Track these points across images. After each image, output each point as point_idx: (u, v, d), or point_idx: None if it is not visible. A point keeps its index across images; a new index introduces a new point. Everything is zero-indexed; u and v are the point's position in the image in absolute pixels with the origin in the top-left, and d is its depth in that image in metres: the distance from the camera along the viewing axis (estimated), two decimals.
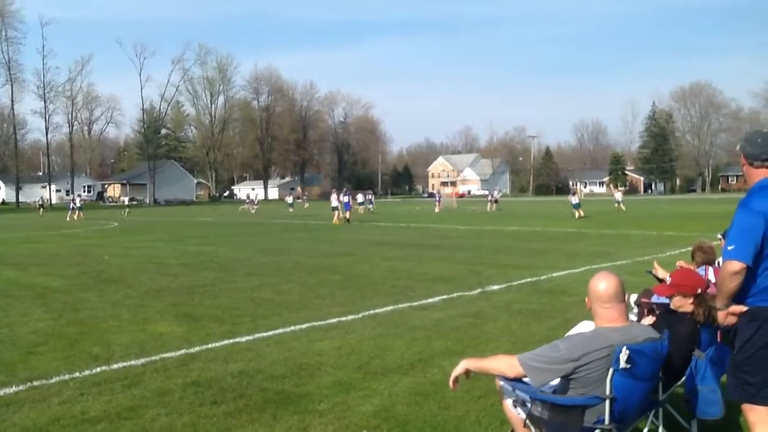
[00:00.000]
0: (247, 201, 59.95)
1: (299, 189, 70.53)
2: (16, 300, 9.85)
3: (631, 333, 3.08)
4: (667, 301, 4.11)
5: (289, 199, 58.04)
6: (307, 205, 63.95)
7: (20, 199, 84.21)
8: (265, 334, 7.18)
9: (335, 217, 32.59)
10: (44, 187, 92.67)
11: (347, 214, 32.49)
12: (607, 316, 3.11)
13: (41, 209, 54.51)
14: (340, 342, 6.74)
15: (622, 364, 2.91)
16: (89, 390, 5.23)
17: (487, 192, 69.85)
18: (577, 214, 32.58)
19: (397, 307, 8.73)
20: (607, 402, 2.97)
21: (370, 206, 50.61)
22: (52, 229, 31.25)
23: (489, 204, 48.63)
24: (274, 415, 4.63)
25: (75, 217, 42.14)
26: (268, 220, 37.02)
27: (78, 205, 44.52)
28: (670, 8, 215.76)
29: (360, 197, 50.87)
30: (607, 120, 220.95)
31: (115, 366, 5.94)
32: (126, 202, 65.10)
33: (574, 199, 34.69)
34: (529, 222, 30.32)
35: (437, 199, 52.69)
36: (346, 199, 33.51)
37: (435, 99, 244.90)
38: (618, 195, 45.08)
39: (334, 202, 33.96)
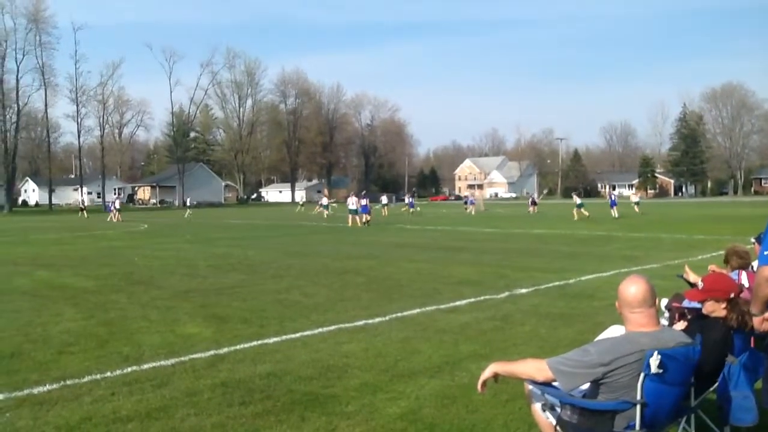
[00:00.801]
0: (320, 204, 54.84)
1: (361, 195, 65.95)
2: (48, 300, 10.03)
3: (662, 338, 3.03)
4: (698, 305, 4.05)
5: (324, 201, 49.33)
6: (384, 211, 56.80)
7: (53, 201, 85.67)
8: (292, 335, 7.21)
9: (350, 220, 32.57)
10: (76, 189, 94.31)
11: (366, 217, 32.39)
12: (638, 321, 3.07)
13: (83, 211, 55.45)
14: (367, 344, 6.74)
15: (654, 369, 2.87)
16: (120, 389, 5.30)
17: (516, 195, 70.70)
18: (577, 215, 35.05)
19: (424, 309, 8.71)
20: (638, 407, 2.93)
21: (417, 208, 50.85)
22: (82, 231, 31.77)
23: (531, 207, 48.57)
24: (302, 416, 4.65)
25: (115, 219, 43.62)
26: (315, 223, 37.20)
27: (117, 207, 46.20)
28: (699, 8, 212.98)
29: (407, 198, 50.71)
30: (636, 122, 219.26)
31: (145, 366, 6.01)
32: (188, 204, 65.26)
33: (578, 200, 37.39)
34: (557, 224, 30.07)
35: (469, 201, 53.23)
36: (364, 202, 33.38)
37: (462, 101, 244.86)
38: (634, 197, 46.44)
39: (351, 205, 33.83)
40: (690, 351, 3.07)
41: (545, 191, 79.52)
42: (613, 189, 39.13)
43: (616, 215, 35.67)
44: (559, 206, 60.26)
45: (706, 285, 3.87)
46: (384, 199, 51.06)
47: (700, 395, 3.60)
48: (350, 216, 33.00)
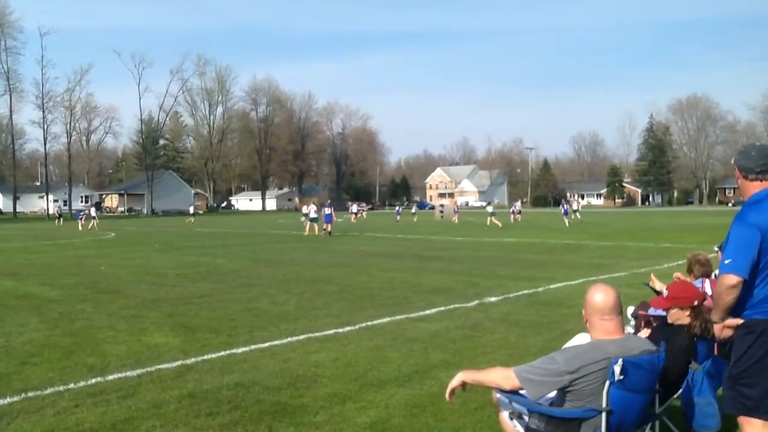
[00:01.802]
0: (352, 211, 55.06)
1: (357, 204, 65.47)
2: (11, 310, 9.81)
3: (628, 345, 3.07)
4: (664, 313, 4.11)
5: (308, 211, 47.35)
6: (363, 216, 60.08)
7: (17, 209, 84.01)
8: (261, 345, 7.15)
9: (308, 228, 31.99)
10: (41, 197, 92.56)
11: (329, 227, 31.34)
12: (605, 328, 3.10)
13: (60, 219, 54.44)
14: (337, 353, 6.72)
15: (617, 376, 2.90)
16: (84, 401, 5.20)
17: (483, 203, 72.52)
18: (489, 223, 38.70)
19: (394, 318, 8.71)
20: (604, 415, 2.95)
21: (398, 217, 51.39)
22: (49, 239, 31.19)
23: (512, 215, 48.60)
24: (270, 426, 4.61)
25: (89, 227, 43.20)
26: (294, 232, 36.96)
27: (93, 214, 46.19)
28: (666, 21, 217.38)
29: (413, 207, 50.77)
30: (604, 132, 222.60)
31: (110, 377, 5.91)
32: (192, 211, 64.33)
33: (490, 209, 41.99)
34: (528, 233, 30.34)
35: (440, 209, 54.38)
36: (328, 211, 32.45)
37: (433, 110, 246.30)
38: (575, 204, 52.05)
39: (312, 214, 33.07)
40: (655, 358, 3.11)
41: (524, 200, 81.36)
42: (566, 199, 45.86)
43: (567, 224, 39.13)
44: (531, 215, 60.77)
45: (671, 293, 3.94)
46: (354, 207, 51.32)
47: (665, 402, 3.66)
48: (308, 224, 32.44)
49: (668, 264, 14.87)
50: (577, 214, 47.54)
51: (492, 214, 40.34)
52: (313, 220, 32.60)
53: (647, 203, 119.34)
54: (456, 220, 49.07)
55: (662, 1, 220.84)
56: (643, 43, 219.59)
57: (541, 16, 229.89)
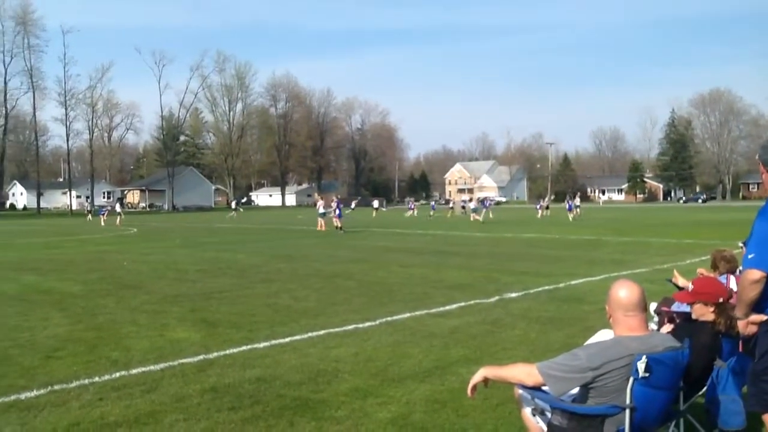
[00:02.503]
0: (374, 207, 56.08)
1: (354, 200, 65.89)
2: (35, 305, 9.95)
3: (651, 342, 3.04)
4: (687, 309, 4.07)
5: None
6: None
7: (41, 205, 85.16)
8: (282, 340, 7.19)
9: (319, 224, 31.90)
10: (64, 193, 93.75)
11: (339, 222, 31.10)
12: (629, 325, 3.07)
13: (90, 215, 55.44)
14: (357, 349, 6.73)
15: (641, 373, 2.88)
16: (108, 394, 5.27)
17: (494, 199, 72.80)
18: (472, 218, 40.50)
19: (414, 314, 8.71)
20: (627, 411, 2.93)
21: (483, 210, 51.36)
22: (70, 235, 31.57)
23: (540, 211, 48.67)
24: (291, 421, 4.64)
25: (117, 222, 44.43)
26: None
27: (118, 210, 47.89)
28: (688, 15, 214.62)
29: (472, 203, 50.02)
30: (625, 127, 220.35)
31: (133, 371, 5.97)
32: (234, 206, 65.15)
33: (473, 205, 44.85)
34: (547, 229, 30.17)
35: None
36: (333, 205, 32.40)
37: (452, 106, 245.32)
38: (577, 201, 52.08)
39: (321, 209, 33.09)
40: (679, 355, 3.08)
41: (552, 196, 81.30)
42: (571, 196, 46.94)
43: (571, 219, 41.38)
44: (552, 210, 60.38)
45: (696, 287, 3.89)
46: (375, 203, 51.56)
47: (689, 399, 3.62)
48: (319, 220, 32.42)
49: (691, 260, 14.71)
50: (578, 210, 48.01)
51: (474, 210, 42.60)
52: (321, 215, 32.60)
53: (669, 198, 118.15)
54: (463, 215, 49.64)
55: None
56: (664, 38, 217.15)
57: (561, 12, 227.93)
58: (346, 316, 8.62)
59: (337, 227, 30.48)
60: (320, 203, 34.52)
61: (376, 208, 50.23)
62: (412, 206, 59.34)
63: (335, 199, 33.87)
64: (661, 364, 2.96)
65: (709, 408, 3.63)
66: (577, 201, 51.56)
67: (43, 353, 6.72)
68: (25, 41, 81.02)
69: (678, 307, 4.59)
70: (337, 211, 32.02)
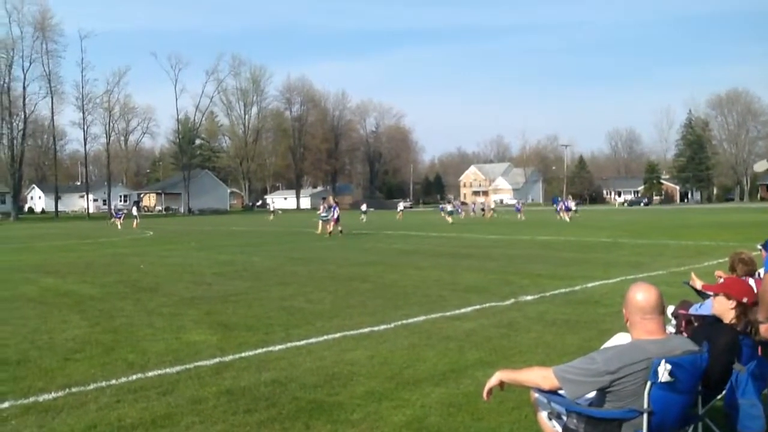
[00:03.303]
0: (476, 207, 59.46)
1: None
2: (54, 307, 10.05)
3: (669, 345, 3.01)
4: (705, 312, 4.02)
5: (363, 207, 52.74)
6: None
7: (59, 208, 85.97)
8: (297, 343, 7.20)
9: (320, 227, 31.50)
10: (82, 196, 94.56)
11: (331, 227, 30.36)
12: (646, 328, 3.05)
13: (115, 219, 56.28)
14: (373, 352, 6.73)
15: (663, 378, 2.85)
16: (125, 397, 5.30)
17: (522, 201, 74.15)
18: (451, 220, 42.80)
19: (430, 317, 8.69)
20: (645, 416, 2.91)
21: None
22: (88, 238, 31.84)
23: (561, 214, 47.22)
24: (307, 424, 4.64)
25: (134, 225, 45.32)
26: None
27: (134, 213, 48.89)
28: (704, 15, 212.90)
29: (449, 206, 49.95)
30: (641, 128, 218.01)
31: (150, 373, 6.01)
32: (272, 208, 66.11)
33: (449, 207, 47.63)
34: (563, 231, 30.03)
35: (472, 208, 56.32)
36: (333, 210, 31.37)
37: (466, 108, 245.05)
38: (572, 203, 52.81)
39: (322, 212, 32.51)
40: (697, 358, 3.05)
41: (579, 201, 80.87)
42: (569, 197, 51.28)
43: (567, 219, 43.85)
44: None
45: (726, 282, 3.85)
46: (401, 205, 53.42)
47: (708, 403, 3.58)
48: (320, 222, 32.00)
49: (708, 262, 14.57)
50: (570, 213, 48.42)
51: (450, 212, 45.41)
52: (323, 219, 32.36)
53: (686, 200, 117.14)
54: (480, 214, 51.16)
55: None
56: (680, 38, 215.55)
57: (576, 12, 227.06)
58: (362, 318, 8.62)
59: (332, 231, 29.96)
60: (322, 207, 34.41)
61: (365, 212, 50.06)
62: (459, 209, 61.50)
63: (334, 203, 33.59)
64: (680, 368, 2.93)
65: (728, 412, 3.59)
66: (572, 204, 52.15)
67: (62, 355, 6.79)
68: (43, 46, 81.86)
69: (696, 310, 4.55)
70: (335, 214, 31.66)
